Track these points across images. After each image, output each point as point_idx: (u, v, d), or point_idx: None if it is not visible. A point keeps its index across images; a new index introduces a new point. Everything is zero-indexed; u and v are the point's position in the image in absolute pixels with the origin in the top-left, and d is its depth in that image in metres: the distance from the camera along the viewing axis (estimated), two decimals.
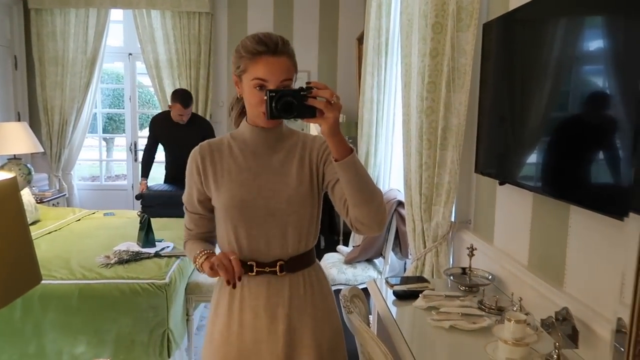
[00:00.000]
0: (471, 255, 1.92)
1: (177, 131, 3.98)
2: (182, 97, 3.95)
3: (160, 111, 4.66)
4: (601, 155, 1.35)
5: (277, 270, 1.33)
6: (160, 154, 4.33)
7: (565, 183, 1.51)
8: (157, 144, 4.24)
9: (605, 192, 1.32)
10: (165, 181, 4.24)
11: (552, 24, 1.57)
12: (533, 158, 1.68)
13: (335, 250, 3.52)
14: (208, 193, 1.35)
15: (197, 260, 1.33)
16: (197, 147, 1.38)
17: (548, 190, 1.58)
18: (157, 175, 4.56)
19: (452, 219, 2.28)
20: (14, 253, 0.78)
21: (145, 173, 4.22)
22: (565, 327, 1.33)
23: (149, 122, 4.30)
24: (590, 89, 1.40)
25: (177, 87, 4.93)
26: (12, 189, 0.78)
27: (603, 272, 1.38)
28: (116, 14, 5.14)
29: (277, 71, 1.23)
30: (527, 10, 1.68)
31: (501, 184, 1.92)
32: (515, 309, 1.54)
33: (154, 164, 4.29)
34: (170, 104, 4.00)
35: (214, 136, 3.86)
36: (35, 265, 0.86)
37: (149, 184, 4.20)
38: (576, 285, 1.50)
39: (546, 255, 1.67)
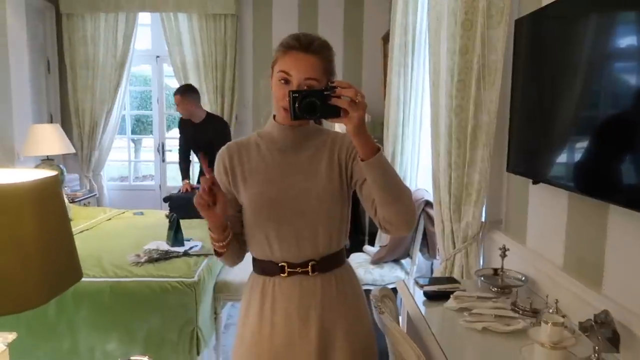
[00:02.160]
0: (503, 255, 1.88)
1: (192, 130, 4.07)
2: (182, 88, 4.10)
3: None
4: None
5: (309, 271, 1.32)
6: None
7: (603, 181, 1.47)
8: (187, 145, 4.31)
9: None
10: (198, 181, 4.30)
11: (586, 20, 1.52)
12: (568, 156, 1.64)
13: (361, 250, 3.50)
14: (236, 193, 1.34)
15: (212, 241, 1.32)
16: (224, 147, 1.38)
17: (585, 189, 1.54)
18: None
19: (483, 219, 2.24)
20: (58, 249, 0.79)
21: (185, 175, 4.31)
22: (605, 331, 1.29)
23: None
24: (627, 84, 1.35)
25: (204, 88, 4.99)
26: (55, 186, 0.80)
27: None
28: (144, 18, 5.23)
29: (301, 67, 1.22)
30: (560, 6, 1.64)
31: (535, 182, 1.87)
32: (551, 311, 1.50)
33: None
34: None
35: (226, 133, 3.96)
36: (77, 262, 0.88)
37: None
38: (616, 288, 1.45)
39: (583, 256, 1.63)
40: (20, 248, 0.76)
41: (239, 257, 1.43)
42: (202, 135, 3.92)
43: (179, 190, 4.22)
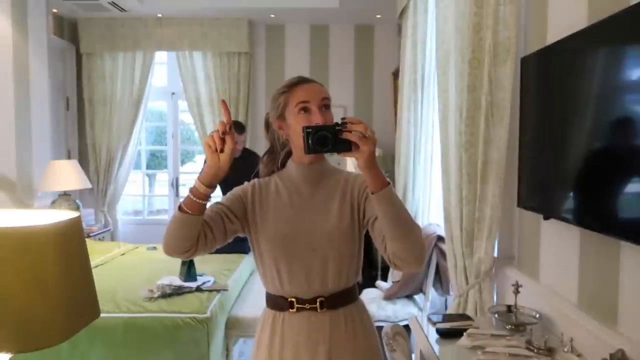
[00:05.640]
0: (516, 292, 1.87)
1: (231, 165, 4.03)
2: (236, 124, 4.06)
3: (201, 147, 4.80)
4: None
5: (317, 307, 1.34)
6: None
7: (614, 218, 1.47)
8: None
9: None
10: None
11: (591, 56, 1.56)
12: (578, 192, 1.65)
13: (374, 286, 3.48)
14: (248, 226, 1.37)
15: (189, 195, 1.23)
16: (249, 183, 1.44)
17: (595, 226, 1.54)
18: None
19: (495, 254, 2.23)
20: (78, 289, 0.82)
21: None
22: None
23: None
24: (636, 118, 1.37)
25: (217, 123, 5.08)
26: (77, 227, 0.83)
27: None
28: (160, 56, 5.40)
29: (316, 92, 1.33)
30: (565, 44, 1.68)
31: (546, 218, 1.87)
32: (566, 349, 1.48)
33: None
34: None
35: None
36: (95, 301, 0.91)
37: None
38: (631, 326, 1.44)
39: (597, 293, 1.61)
40: (43, 288, 0.79)
41: (192, 239, 1.26)
42: (240, 169, 3.87)
43: None
